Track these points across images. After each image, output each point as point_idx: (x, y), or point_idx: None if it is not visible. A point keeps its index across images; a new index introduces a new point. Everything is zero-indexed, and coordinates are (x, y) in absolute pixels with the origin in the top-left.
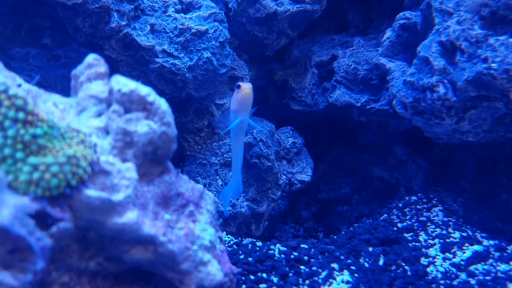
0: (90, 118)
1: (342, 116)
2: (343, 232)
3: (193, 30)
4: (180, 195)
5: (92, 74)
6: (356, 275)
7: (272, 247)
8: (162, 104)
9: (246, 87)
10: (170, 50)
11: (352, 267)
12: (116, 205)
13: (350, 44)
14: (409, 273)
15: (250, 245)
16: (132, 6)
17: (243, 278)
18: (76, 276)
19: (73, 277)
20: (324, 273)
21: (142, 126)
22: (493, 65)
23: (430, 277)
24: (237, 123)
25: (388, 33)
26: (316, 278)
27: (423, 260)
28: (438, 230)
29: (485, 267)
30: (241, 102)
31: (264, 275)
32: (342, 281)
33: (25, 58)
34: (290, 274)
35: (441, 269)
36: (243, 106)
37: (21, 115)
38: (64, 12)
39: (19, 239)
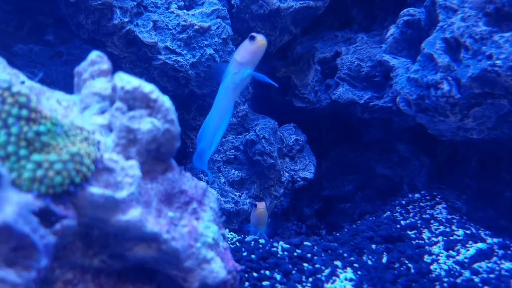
0: (94, 116)
1: (345, 113)
2: (346, 230)
3: (196, 27)
4: (183, 192)
5: (95, 71)
6: (359, 272)
7: (275, 244)
8: (166, 101)
9: (261, 39)
10: (172, 47)
11: (355, 265)
12: (119, 202)
13: (354, 41)
14: (412, 270)
15: (253, 243)
16: (135, 3)
17: (246, 275)
18: (80, 273)
19: (76, 274)
20: (327, 271)
21: (146, 124)
22: (497, 62)
23: (433, 275)
24: (246, 76)
25: (392, 30)
26: (319, 276)
27: (427, 258)
28: (441, 227)
29: (489, 265)
30: (254, 53)
31: (267, 272)
32: (345, 279)
33: (28, 55)
34: (293, 272)
35: (445, 266)
36: (253, 58)
37: (24, 112)
38: (66, 9)
39: (23, 237)
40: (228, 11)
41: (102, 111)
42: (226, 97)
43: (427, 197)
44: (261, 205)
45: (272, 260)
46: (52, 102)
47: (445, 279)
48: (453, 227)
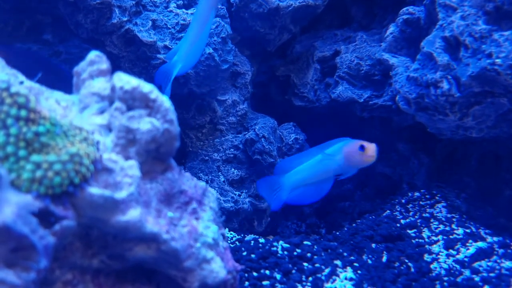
0: (93, 116)
1: (345, 112)
2: (345, 229)
3: None
4: (183, 192)
5: (94, 71)
6: (359, 272)
7: (275, 243)
8: (165, 101)
9: None
10: (171, 46)
11: (355, 264)
12: (119, 203)
13: (353, 40)
14: (412, 269)
15: (252, 242)
16: (134, 2)
17: (246, 275)
18: (79, 274)
19: (76, 275)
20: (327, 270)
21: (145, 124)
22: (497, 60)
23: (433, 274)
24: None
25: (391, 29)
26: (319, 275)
27: (427, 257)
28: (441, 226)
29: (489, 263)
30: None
31: (267, 272)
32: (345, 278)
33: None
34: (293, 271)
35: (445, 265)
36: None
37: (23, 113)
38: (65, 8)
39: (22, 238)
40: (227, 10)
41: (101, 111)
42: (206, 3)
43: (427, 196)
44: (372, 149)
45: (272, 260)
46: (51, 102)
47: (445, 278)
48: (453, 226)
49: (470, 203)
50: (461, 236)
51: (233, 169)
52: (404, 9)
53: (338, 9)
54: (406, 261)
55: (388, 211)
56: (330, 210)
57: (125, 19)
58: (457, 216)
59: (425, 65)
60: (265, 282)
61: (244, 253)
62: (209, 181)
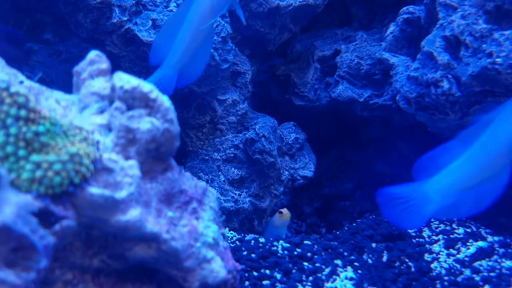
0: (93, 115)
1: (345, 112)
2: (346, 228)
3: None
4: (183, 192)
5: (94, 71)
6: (359, 271)
7: (275, 243)
8: (165, 100)
9: None
10: None
11: (356, 264)
12: (119, 202)
13: (353, 39)
14: (413, 269)
15: (253, 241)
16: (134, 1)
17: (246, 274)
18: (80, 273)
19: (76, 274)
20: (327, 270)
21: (145, 123)
22: (497, 60)
23: (434, 274)
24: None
25: (392, 28)
26: (319, 275)
27: (427, 256)
28: (442, 226)
29: (490, 263)
30: None
31: (268, 271)
32: (346, 278)
33: (26, 53)
34: (294, 271)
35: (445, 265)
36: None
37: (23, 112)
38: (65, 7)
39: (22, 238)
40: (227, 10)
41: (101, 111)
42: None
43: None
44: None
45: (272, 259)
46: (51, 102)
47: (446, 278)
48: (454, 225)
49: None
50: (461, 236)
51: (233, 169)
52: (405, 8)
53: (338, 8)
54: (407, 260)
55: None
56: (330, 210)
57: (125, 18)
58: None
59: (426, 65)
60: (265, 282)
61: (245, 253)
62: (209, 181)
